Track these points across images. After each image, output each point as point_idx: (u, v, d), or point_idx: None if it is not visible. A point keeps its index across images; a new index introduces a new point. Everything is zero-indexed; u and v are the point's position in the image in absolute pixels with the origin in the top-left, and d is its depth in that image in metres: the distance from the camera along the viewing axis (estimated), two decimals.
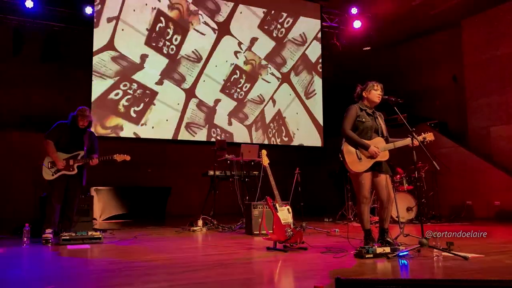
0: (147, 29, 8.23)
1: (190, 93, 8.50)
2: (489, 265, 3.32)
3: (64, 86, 8.47)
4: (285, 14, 9.68)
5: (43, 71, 8.59)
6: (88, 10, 8.08)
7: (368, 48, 10.27)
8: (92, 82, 7.73)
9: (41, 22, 8.27)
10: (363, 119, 4.14)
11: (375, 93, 4.20)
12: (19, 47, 8.34)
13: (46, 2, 7.98)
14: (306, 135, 9.62)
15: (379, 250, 3.64)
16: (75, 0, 8.20)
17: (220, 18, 8.92)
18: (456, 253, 3.55)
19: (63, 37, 8.55)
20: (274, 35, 9.53)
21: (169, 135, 8.29)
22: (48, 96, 8.33)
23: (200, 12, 8.73)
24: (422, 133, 4.16)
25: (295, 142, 9.48)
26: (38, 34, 8.41)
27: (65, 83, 8.54)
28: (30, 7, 7.77)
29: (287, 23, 9.71)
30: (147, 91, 8.15)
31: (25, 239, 4.62)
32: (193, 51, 8.61)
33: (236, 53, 9.04)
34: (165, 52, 8.35)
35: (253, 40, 9.24)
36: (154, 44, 8.27)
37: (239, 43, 9.07)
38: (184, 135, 8.38)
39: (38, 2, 7.86)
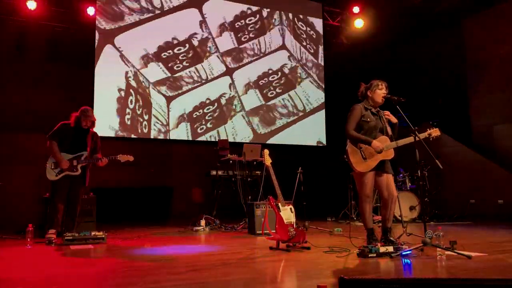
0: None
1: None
2: (493, 264, 3.31)
3: (67, 87, 8.47)
4: (286, 13, 9.68)
5: (46, 72, 8.60)
6: (90, 10, 8.10)
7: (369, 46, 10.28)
8: (95, 82, 7.76)
9: (44, 23, 8.29)
10: (368, 119, 4.13)
11: (380, 92, 4.18)
12: (23, 48, 8.36)
13: (48, 3, 8.00)
14: (309, 134, 9.61)
15: (382, 249, 3.64)
16: (77, 1, 8.21)
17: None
18: (459, 252, 3.55)
19: (66, 38, 8.56)
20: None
21: (172, 135, 8.30)
22: (51, 97, 8.32)
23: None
24: (428, 129, 4.16)
25: (297, 141, 9.47)
26: (41, 35, 8.43)
27: (68, 84, 8.53)
28: (33, 9, 7.80)
29: (289, 22, 9.71)
30: (151, 91, 8.16)
31: (28, 239, 4.64)
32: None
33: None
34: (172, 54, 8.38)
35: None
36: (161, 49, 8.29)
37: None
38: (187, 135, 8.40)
39: (40, 3, 7.87)
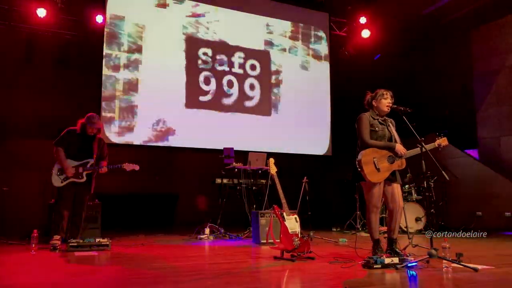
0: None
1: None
2: (499, 277, 3.27)
3: (75, 94, 8.54)
4: (293, 23, 9.72)
5: (54, 79, 8.68)
6: (99, 18, 8.18)
7: (378, 56, 10.31)
8: (102, 89, 7.81)
9: (53, 31, 8.38)
10: (376, 128, 4.12)
11: (385, 102, 4.16)
12: (31, 55, 8.45)
13: (58, 10, 8.09)
14: (315, 143, 9.59)
15: (388, 260, 3.61)
16: (86, 9, 8.31)
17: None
18: (465, 264, 3.51)
19: (74, 45, 8.65)
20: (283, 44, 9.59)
21: (177, 142, 8.31)
22: (59, 104, 8.39)
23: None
24: (437, 138, 4.16)
25: (303, 151, 9.45)
26: (49, 42, 8.53)
27: (76, 91, 8.61)
28: (42, 16, 7.89)
29: (294, 32, 9.74)
30: (158, 97, 8.20)
31: (33, 245, 4.64)
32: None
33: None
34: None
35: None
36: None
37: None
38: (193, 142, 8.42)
39: (50, 11, 7.97)
